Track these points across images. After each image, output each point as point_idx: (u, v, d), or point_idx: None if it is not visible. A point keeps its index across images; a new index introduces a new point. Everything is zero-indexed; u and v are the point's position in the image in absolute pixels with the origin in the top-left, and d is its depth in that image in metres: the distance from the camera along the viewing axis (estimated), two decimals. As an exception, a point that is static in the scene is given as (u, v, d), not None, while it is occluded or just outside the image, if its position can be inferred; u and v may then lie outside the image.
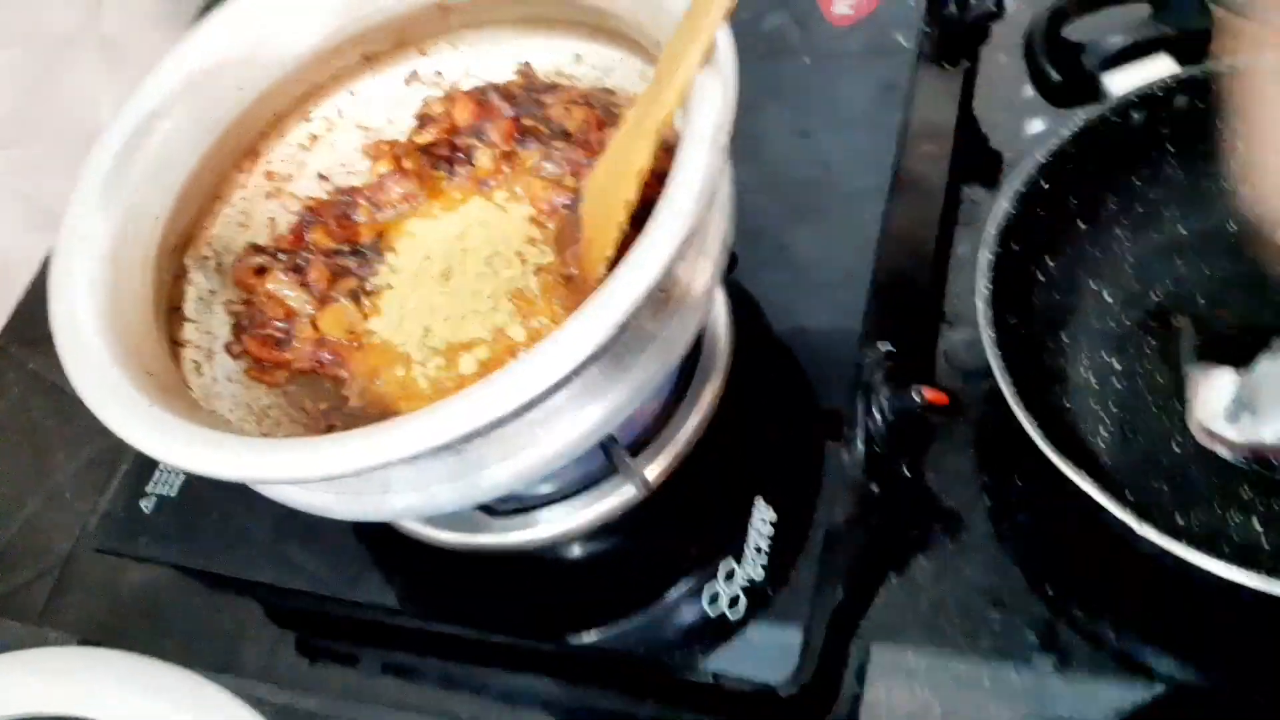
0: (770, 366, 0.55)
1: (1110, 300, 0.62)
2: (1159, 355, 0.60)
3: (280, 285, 0.54)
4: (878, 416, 0.52)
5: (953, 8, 0.66)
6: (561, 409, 0.43)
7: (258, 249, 0.55)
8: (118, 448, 0.48)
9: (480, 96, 0.57)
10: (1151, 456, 0.57)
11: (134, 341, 0.46)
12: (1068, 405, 0.59)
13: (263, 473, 0.38)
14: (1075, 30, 0.64)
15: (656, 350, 0.45)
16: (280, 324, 0.53)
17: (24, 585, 0.75)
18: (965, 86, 0.72)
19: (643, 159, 0.45)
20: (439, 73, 0.59)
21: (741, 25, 0.43)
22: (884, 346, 0.54)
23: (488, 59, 0.59)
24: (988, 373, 0.52)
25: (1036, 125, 0.71)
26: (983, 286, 0.55)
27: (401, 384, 0.51)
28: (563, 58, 0.57)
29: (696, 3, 0.43)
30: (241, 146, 0.56)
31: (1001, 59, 0.72)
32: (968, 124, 0.73)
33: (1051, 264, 0.62)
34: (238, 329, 0.54)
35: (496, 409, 0.38)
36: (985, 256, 0.56)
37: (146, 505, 0.61)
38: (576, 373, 0.38)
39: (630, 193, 0.46)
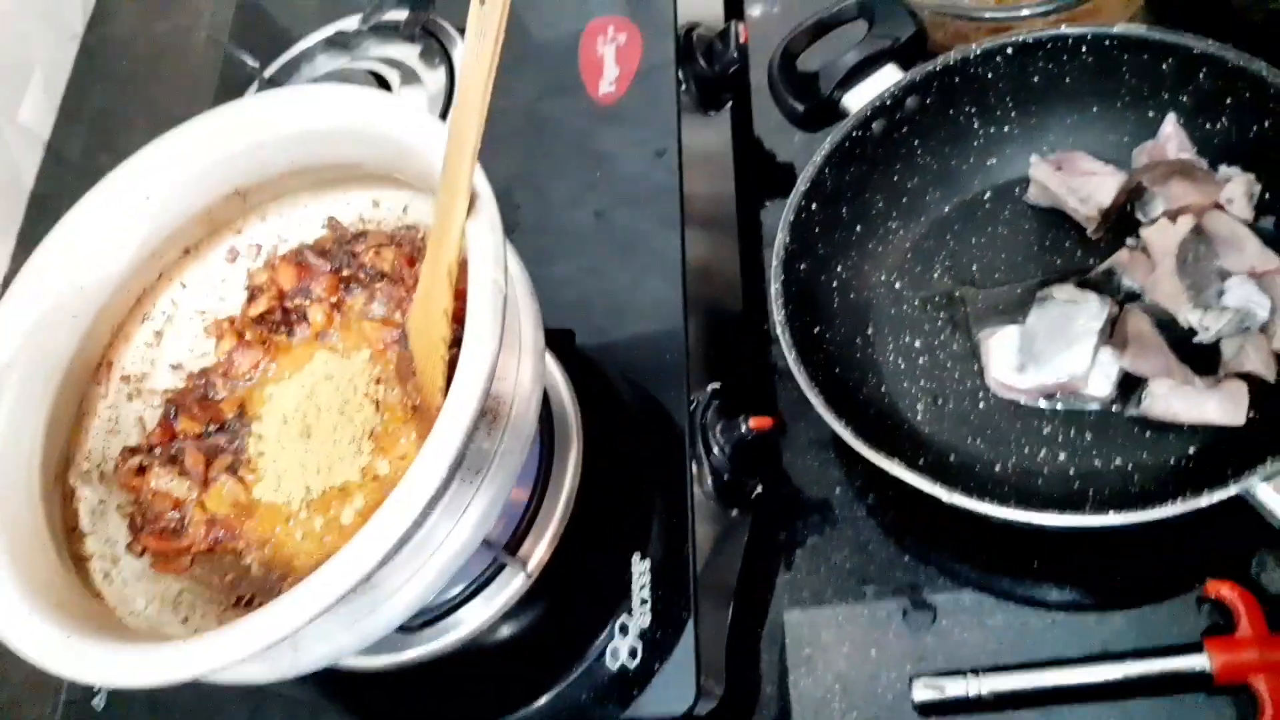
0: (616, 428, 0.62)
1: (900, 288, 0.70)
2: (951, 325, 0.68)
3: (162, 479, 0.58)
4: (716, 450, 0.59)
5: (701, 64, 0.74)
6: (433, 533, 0.49)
7: (133, 450, 0.60)
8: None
9: (298, 258, 0.63)
10: (963, 417, 0.64)
11: (41, 578, 0.51)
12: (884, 390, 0.67)
13: (176, 674, 0.43)
14: (809, 59, 0.71)
15: (505, 451, 0.51)
16: (172, 514, 0.58)
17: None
18: (738, 121, 0.79)
19: (446, 300, 0.51)
20: (256, 245, 0.64)
21: (518, 111, 0.50)
22: (711, 385, 0.61)
23: (295, 222, 0.64)
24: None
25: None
26: (778, 313, 0.62)
27: (294, 543, 0.56)
28: (362, 206, 0.63)
29: (450, 159, 0.49)
30: (93, 362, 0.61)
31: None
32: (752, 151, 0.81)
33: (840, 270, 0.69)
34: (134, 528, 0.58)
35: (372, 557, 0.43)
36: (774, 287, 0.63)
37: (98, 702, 0.65)
38: (431, 506, 0.44)
39: (443, 329, 0.52)
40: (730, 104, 0.78)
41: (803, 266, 0.66)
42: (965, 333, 0.67)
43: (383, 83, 0.84)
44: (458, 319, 0.51)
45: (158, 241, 0.60)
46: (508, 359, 0.51)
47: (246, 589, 0.56)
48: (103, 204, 0.59)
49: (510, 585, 0.57)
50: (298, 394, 0.59)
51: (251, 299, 0.63)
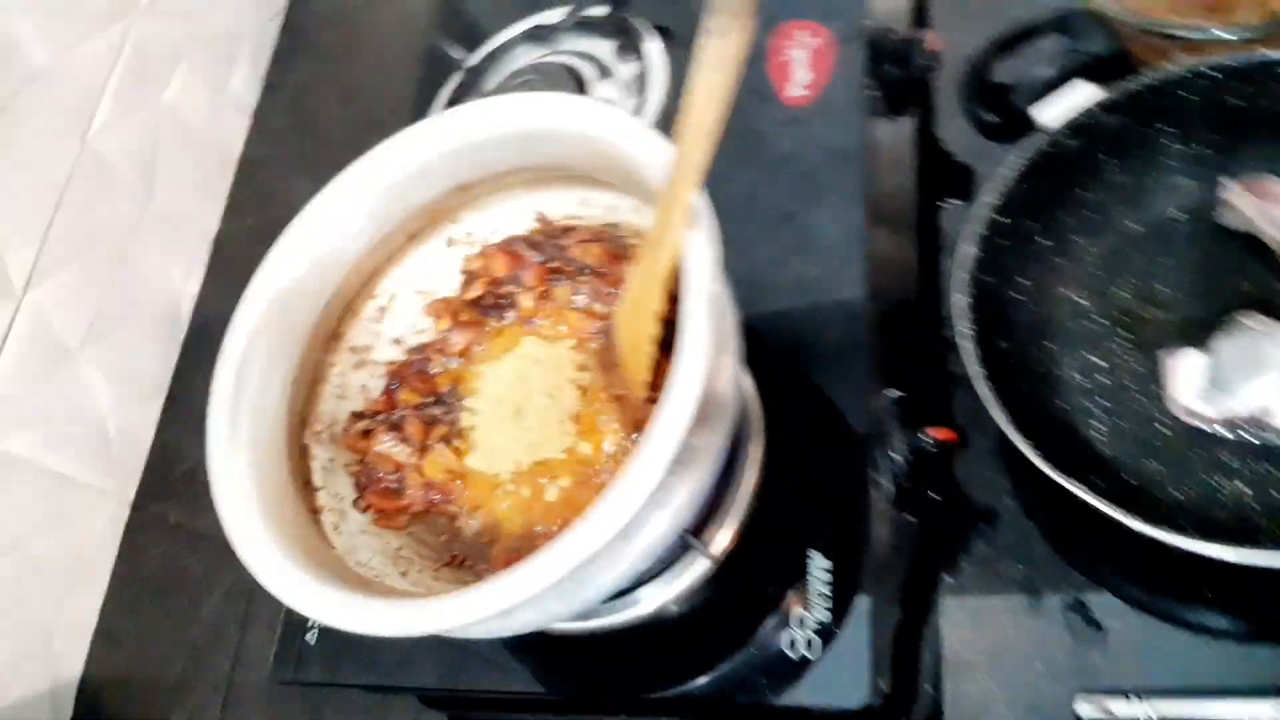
0: (797, 426, 0.65)
1: (1083, 303, 0.71)
2: (1134, 345, 0.68)
3: (384, 443, 0.65)
4: (897, 458, 0.61)
5: (891, 69, 0.75)
6: (643, 521, 0.54)
7: (358, 416, 0.66)
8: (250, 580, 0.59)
9: (509, 248, 0.68)
10: (1142, 439, 0.65)
11: (290, 529, 0.57)
12: (1063, 406, 0.68)
13: (418, 628, 0.49)
14: (1002, 71, 0.72)
15: (707, 448, 0.55)
16: (392, 476, 0.64)
17: (198, 708, 0.88)
18: (923, 126, 0.81)
19: (656, 302, 0.55)
20: (470, 234, 0.70)
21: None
22: (892, 394, 0.64)
23: (508, 215, 0.69)
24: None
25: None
26: (962, 326, 0.64)
27: (501, 511, 0.62)
28: (570, 203, 0.68)
29: (674, 177, 0.53)
30: (326, 334, 0.67)
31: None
32: (933, 153, 0.82)
33: (1025, 282, 0.70)
34: (359, 487, 0.65)
35: (594, 543, 0.48)
36: (960, 300, 0.65)
37: (310, 637, 0.72)
38: (651, 499, 0.48)
39: (651, 328, 0.56)
40: (915, 108, 0.79)
41: (988, 279, 0.67)
42: (1148, 354, 0.68)
43: (577, 77, 0.88)
44: (666, 321, 0.56)
45: (389, 228, 0.66)
46: (715, 361, 0.54)
47: (459, 549, 0.62)
48: (344, 192, 0.65)
49: (693, 568, 0.61)
50: (510, 375, 0.64)
51: (467, 284, 0.68)
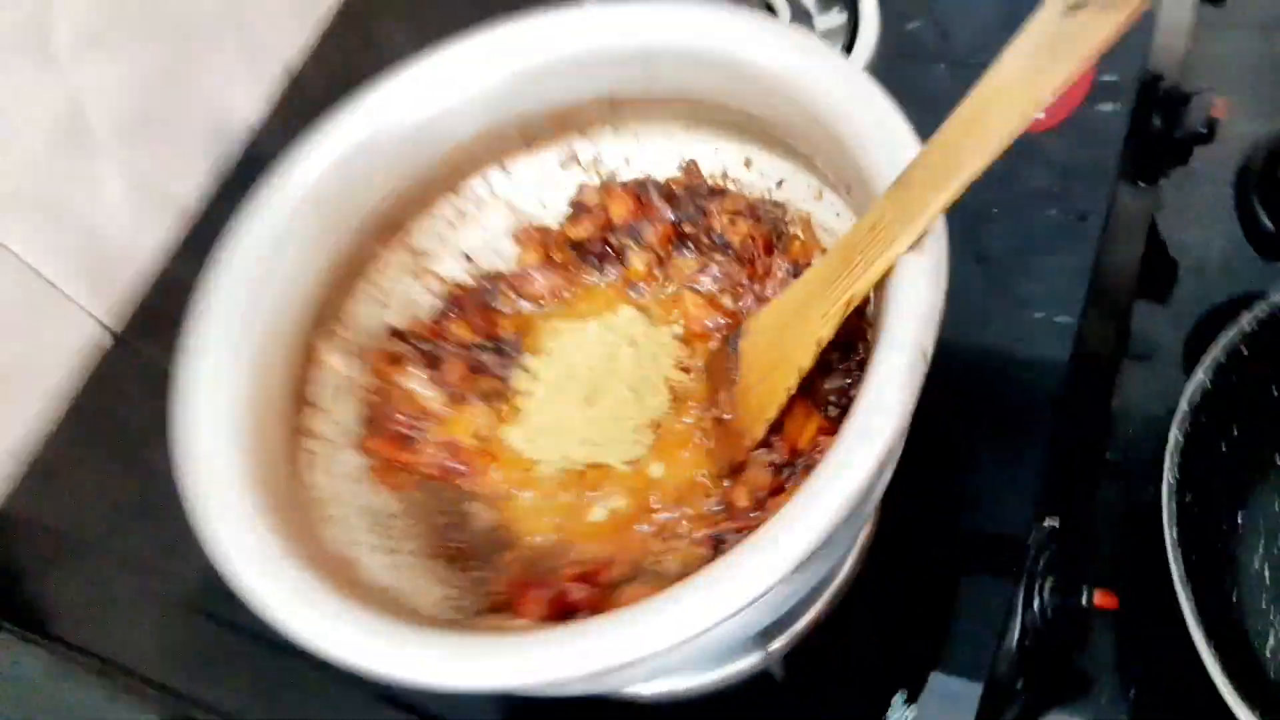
0: (922, 525, 0.51)
1: (1296, 482, 0.56)
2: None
3: (413, 377, 0.51)
4: (1037, 612, 0.48)
5: (1157, 122, 0.60)
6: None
7: (396, 334, 0.53)
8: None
9: (639, 191, 0.54)
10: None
11: (261, 450, 0.44)
12: (1235, 599, 0.54)
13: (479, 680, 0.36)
14: None
15: (835, 545, 0.42)
16: (410, 421, 0.51)
17: (105, 581, 0.75)
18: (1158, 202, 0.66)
19: (826, 330, 0.41)
20: (597, 158, 0.56)
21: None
22: (1050, 522, 0.50)
23: (650, 150, 0.55)
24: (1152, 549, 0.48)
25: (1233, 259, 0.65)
26: (1169, 476, 0.50)
27: (527, 511, 0.48)
28: (731, 160, 0.53)
29: (915, 180, 0.38)
30: (388, 221, 0.53)
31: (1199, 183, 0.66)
32: (1155, 241, 0.67)
33: (1237, 434, 0.56)
34: (367, 421, 0.51)
35: (726, 607, 0.35)
36: (1175, 437, 0.51)
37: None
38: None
39: (806, 359, 0.42)
40: (1163, 178, 0.64)
41: (1204, 420, 0.53)
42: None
43: (770, 10, 0.74)
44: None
45: (503, 122, 0.52)
46: (899, 440, 0.40)
47: (461, 541, 0.48)
48: (462, 60, 0.51)
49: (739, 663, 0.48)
50: (592, 346, 0.51)
51: (574, 218, 0.54)
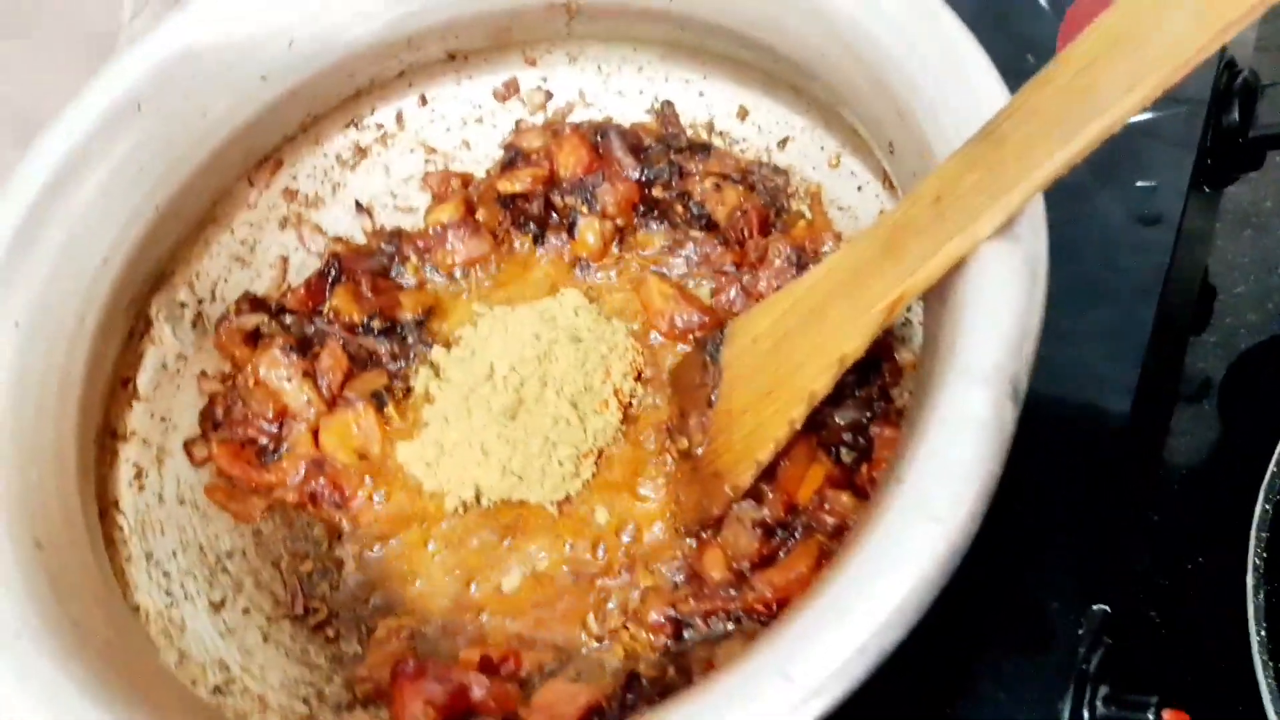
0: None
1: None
2: None
3: (276, 366, 0.38)
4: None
5: (1235, 115, 0.49)
6: None
7: (255, 302, 0.39)
8: None
9: (597, 137, 0.41)
10: None
11: (38, 441, 0.30)
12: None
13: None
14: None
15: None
16: (268, 426, 0.38)
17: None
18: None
19: (854, 343, 0.29)
20: (545, 90, 0.42)
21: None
22: (1099, 608, 0.39)
23: (615, 85, 0.42)
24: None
25: None
26: (1255, 558, 0.39)
27: (419, 560, 0.35)
28: (721, 107, 0.41)
29: (1012, 129, 0.26)
30: (255, 152, 0.40)
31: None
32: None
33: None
34: (207, 420, 0.38)
35: None
36: (1262, 509, 0.40)
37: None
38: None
39: (821, 382, 0.30)
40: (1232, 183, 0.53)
41: None
42: None
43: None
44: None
45: (423, 25, 0.39)
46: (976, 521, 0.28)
47: (324, 599, 0.35)
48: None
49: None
50: (521, 340, 0.37)
51: (509, 167, 0.41)
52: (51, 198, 0.33)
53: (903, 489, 0.24)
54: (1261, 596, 0.39)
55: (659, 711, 0.23)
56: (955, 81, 0.30)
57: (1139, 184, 0.46)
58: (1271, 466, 0.41)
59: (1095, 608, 0.39)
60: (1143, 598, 0.44)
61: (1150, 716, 0.36)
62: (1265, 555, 0.40)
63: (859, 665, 0.22)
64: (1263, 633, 0.38)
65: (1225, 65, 0.50)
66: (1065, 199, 0.46)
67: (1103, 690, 0.37)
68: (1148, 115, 0.47)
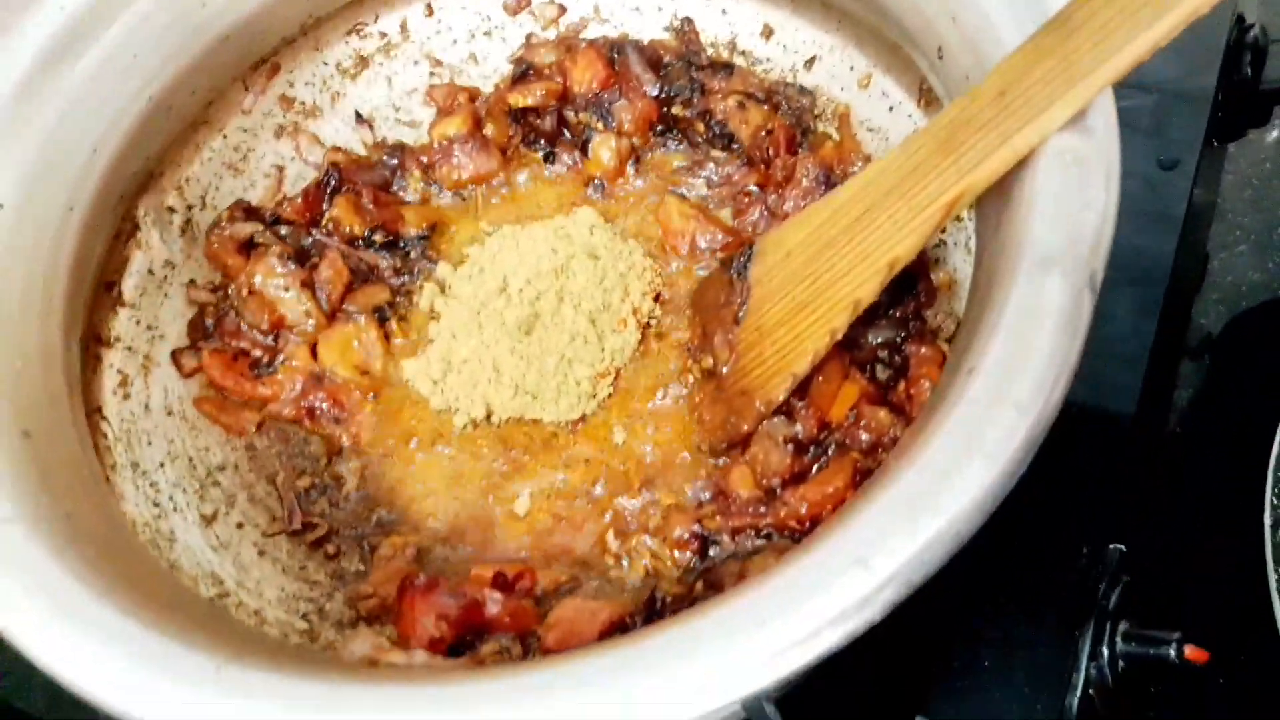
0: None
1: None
2: None
3: (272, 277, 0.35)
4: (1107, 664, 0.35)
5: (1247, 70, 0.49)
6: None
7: (249, 211, 0.37)
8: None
9: (613, 53, 0.39)
10: None
11: (21, 345, 0.28)
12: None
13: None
14: None
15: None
16: (263, 338, 0.35)
17: None
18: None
19: (905, 245, 0.28)
20: (559, 3, 0.41)
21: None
22: (1115, 547, 0.38)
23: (633, 0, 0.40)
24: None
25: None
26: (1273, 497, 0.38)
27: (425, 479, 0.33)
28: (745, 24, 0.39)
29: (1086, 15, 0.25)
30: (252, 53, 0.38)
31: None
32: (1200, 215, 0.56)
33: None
34: (196, 330, 0.36)
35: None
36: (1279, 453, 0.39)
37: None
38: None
39: (868, 289, 0.29)
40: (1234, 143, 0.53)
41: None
42: None
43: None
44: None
45: (437, -79, 0.37)
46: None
47: (322, 514, 0.33)
48: None
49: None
50: (534, 256, 0.36)
51: (520, 80, 0.39)
52: (43, 77, 0.31)
53: (979, 378, 0.23)
54: (1279, 535, 0.39)
55: (730, 595, 0.21)
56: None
57: (1183, 145, 0.46)
58: (1290, 409, 0.40)
59: (1112, 547, 0.38)
60: (1160, 537, 0.43)
61: (1172, 652, 0.35)
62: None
63: (938, 552, 0.21)
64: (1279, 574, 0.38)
65: (1236, 21, 0.50)
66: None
67: (1123, 626, 0.36)
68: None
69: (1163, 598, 0.40)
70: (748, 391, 0.32)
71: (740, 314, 0.33)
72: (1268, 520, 0.39)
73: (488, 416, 0.34)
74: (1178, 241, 0.43)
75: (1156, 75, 0.47)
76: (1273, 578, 0.38)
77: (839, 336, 0.30)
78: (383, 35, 0.40)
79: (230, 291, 0.36)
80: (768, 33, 0.39)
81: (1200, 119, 0.46)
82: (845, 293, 0.29)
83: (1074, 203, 0.24)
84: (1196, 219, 0.50)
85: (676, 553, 0.30)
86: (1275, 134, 0.58)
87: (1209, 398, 0.50)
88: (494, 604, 0.29)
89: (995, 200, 0.27)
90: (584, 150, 0.39)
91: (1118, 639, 0.36)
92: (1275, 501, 0.39)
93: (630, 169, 0.39)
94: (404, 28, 0.40)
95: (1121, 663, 0.36)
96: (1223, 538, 0.42)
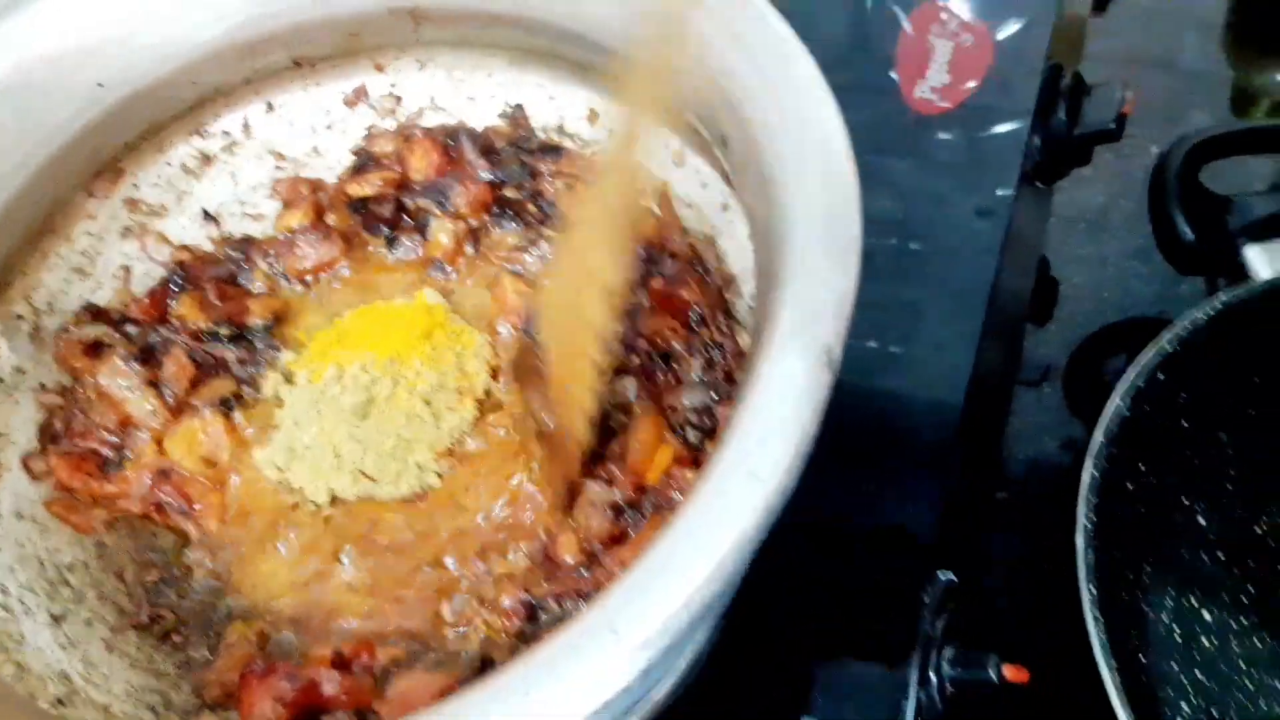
0: (782, 591, 0.40)
1: (1206, 526, 0.49)
2: (1260, 611, 0.47)
3: (118, 376, 0.37)
4: (935, 690, 0.38)
5: (1061, 115, 0.52)
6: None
7: (97, 313, 0.39)
8: None
9: (448, 141, 0.41)
10: (1246, 753, 0.44)
11: None
12: (1144, 660, 0.46)
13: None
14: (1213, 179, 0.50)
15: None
16: (110, 436, 0.37)
17: None
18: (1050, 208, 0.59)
19: (608, 275, 0.30)
20: (395, 95, 0.43)
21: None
22: (944, 576, 0.40)
23: (467, 91, 0.42)
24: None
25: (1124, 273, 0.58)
26: (1085, 519, 0.41)
27: (268, 565, 0.35)
28: (571, 110, 0.42)
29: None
30: (96, 161, 0.39)
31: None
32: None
33: (1144, 470, 0.48)
34: (46, 436, 0.37)
35: None
36: (1090, 474, 0.42)
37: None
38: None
39: (600, 315, 0.31)
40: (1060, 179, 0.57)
41: (1113, 450, 0.45)
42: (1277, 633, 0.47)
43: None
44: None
45: (266, 31, 0.39)
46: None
47: (170, 607, 0.34)
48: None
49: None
50: (373, 341, 0.37)
51: (359, 170, 0.41)
52: None
53: (727, 452, 0.25)
54: (1091, 555, 0.41)
55: (496, 676, 0.23)
56: (779, 75, 0.31)
57: (998, 192, 0.49)
58: (1097, 435, 0.43)
59: (941, 576, 0.41)
60: (984, 566, 0.46)
61: (991, 672, 0.38)
62: (1094, 518, 0.42)
63: (683, 618, 0.22)
64: (1093, 590, 0.41)
65: (1050, 69, 0.53)
66: (928, 203, 0.49)
67: (948, 651, 0.38)
68: (1012, 125, 0.50)
69: (986, 623, 0.42)
70: (564, 439, 0.33)
71: (543, 371, 0.35)
72: (1080, 542, 0.42)
73: (332, 501, 0.35)
74: (994, 277, 0.46)
75: (987, 142, 0.50)
76: (1085, 598, 0.41)
77: (601, 367, 0.32)
78: (225, 134, 0.42)
79: (78, 393, 0.37)
80: (593, 116, 0.41)
81: (1013, 173, 0.49)
82: (588, 326, 0.31)
83: (812, 277, 0.27)
84: (1022, 259, 0.54)
85: (506, 621, 0.32)
86: (1117, 172, 0.62)
87: (1043, 425, 0.53)
88: (330, 684, 0.31)
89: (762, 281, 0.29)
90: (423, 234, 0.41)
91: (944, 663, 0.39)
92: (1088, 524, 0.42)
93: (469, 249, 0.41)
94: (246, 126, 0.42)
95: (949, 687, 0.38)
96: (1044, 563, 0.44)
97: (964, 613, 0.40)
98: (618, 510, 0.33)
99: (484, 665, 0.31)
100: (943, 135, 0.51)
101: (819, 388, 0.25)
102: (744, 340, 0.36)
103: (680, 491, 0.32)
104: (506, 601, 0.32)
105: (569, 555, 0.33)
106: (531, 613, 0.32)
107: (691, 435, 0.34)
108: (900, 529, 0.41)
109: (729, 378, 0.35)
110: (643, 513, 0.33)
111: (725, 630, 0.34)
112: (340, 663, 0.32)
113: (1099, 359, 0.58)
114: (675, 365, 0.35)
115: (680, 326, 0.36)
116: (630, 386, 0.34)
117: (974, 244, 0.47)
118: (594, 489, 0.33)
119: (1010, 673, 0.38)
